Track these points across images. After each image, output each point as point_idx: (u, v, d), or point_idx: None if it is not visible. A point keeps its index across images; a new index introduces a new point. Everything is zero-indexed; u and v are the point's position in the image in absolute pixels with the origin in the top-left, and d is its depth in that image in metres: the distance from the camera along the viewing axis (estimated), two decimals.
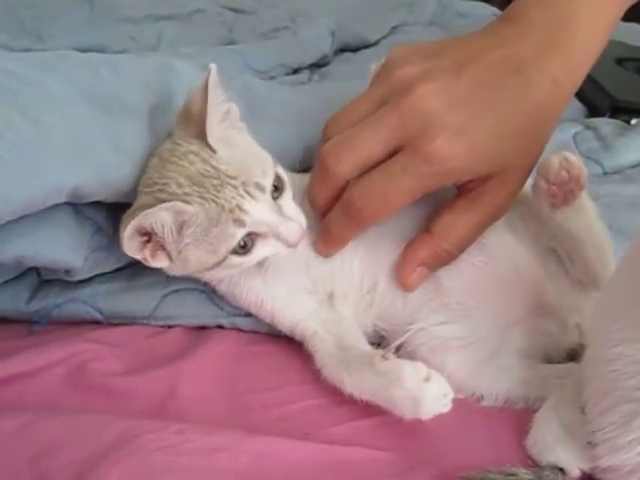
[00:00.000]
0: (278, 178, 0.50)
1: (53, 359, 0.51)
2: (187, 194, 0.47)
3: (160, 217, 0.46)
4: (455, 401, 0.45)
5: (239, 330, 0.56)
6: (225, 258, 0.48)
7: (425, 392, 0.44)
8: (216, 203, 0.47)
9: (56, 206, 0.49)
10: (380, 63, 0.56)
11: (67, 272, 0.54)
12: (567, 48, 0.52)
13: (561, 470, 0.43)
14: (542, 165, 0.51)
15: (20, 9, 1.02)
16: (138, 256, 0.48)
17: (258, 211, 0.48)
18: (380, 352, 0.48)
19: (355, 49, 1.02)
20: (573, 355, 0.52)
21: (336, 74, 0.92)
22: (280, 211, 0.49)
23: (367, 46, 1.03)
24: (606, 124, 0.77)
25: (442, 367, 0.50)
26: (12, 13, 1.02)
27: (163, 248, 0.48)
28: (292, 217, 0.50)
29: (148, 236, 0.48)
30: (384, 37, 1.05)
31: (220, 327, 0.56)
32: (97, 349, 0.52)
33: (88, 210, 0.53)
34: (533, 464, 0.44)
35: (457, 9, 1.14)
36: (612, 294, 0.44)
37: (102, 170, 0.49)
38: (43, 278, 0.57)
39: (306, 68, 0.94)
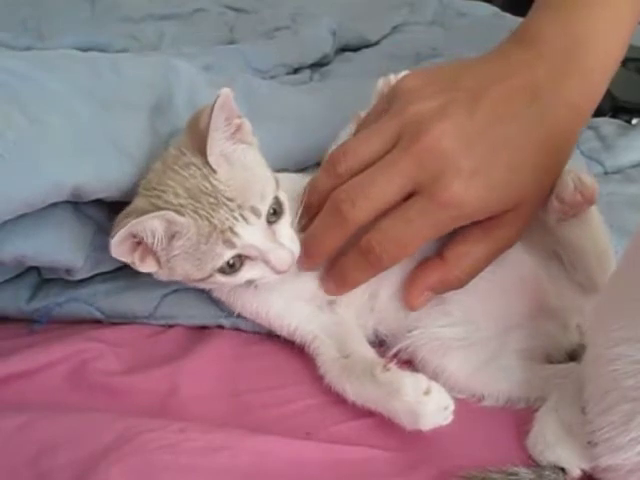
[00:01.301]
0: (278, 202, 0.50)
1: (54, 358, 0.51)
2: (182, 205, 0.47)
3: (152, 225, 0.46)
4: (456, 401, 0.45)
5: (239, 330, 0.56)
6: (210, 275, 0.48)
7: (425, 405, 0.44)
8: (209, 221, 0.47)
9: (57, 205, 0.49)
10: (386, 79, 0.55)
11: (68, 271, 0.54)
12: (584, 69, 0.51)
13: (562, 470, 0.43)
14: (556, 185, 0.51)
15: (22, 8, 1.03)
16: (126, 259, 0.48)
17: (250, 235, 0.47)
18: (382, 362, 0.48)
19: (356, 49, 1.01)
20: (574, 355, 0.52)
21: (337, 73, 0.92)
22: (273, 237, 0.49)
23: (368, 46, 1.02)
24: (607, 124, 0.77)
25: (443, 368, 0.51)
26: (14, 12, 1.02)
27: (153, 253, 0.48)
28: (285, 245, 0.49)
29: (139, 239, 0.47)
30: (385, 37, 1.04)
31: (220, 327, 0.56)
32: (98, 348, 0.52)
33: (89, 209, 0.53)
34: (534, 464, 0.44)
35: (458, 8, 1.14)
36: (612, 294, 0.44)
37: (102, 169, 0.49)
38: (44, 277, 0.57)
39: (307, 67, 0.94)
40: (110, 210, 0.54)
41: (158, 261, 0.49)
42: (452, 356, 0.51)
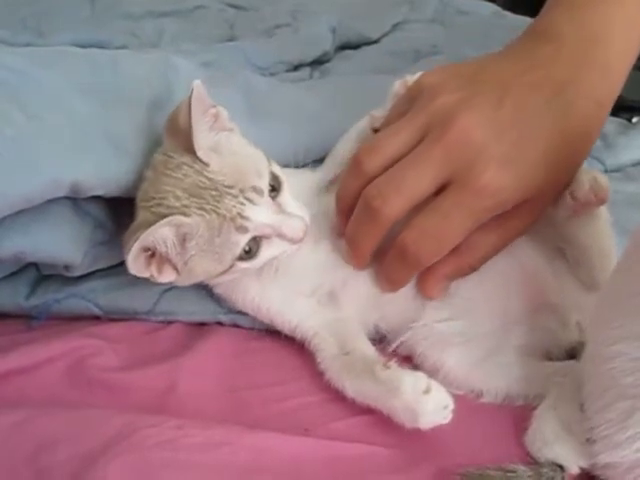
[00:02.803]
0: (274, 176, 0.50)
1: (52, 354, 0.51)
2: (186, 206, 0.47)
3: (161, 234, 0.46)
4: (455, 398, 0.45)
5: (238, 326, 0.56)
6: (232, 266, 0.48)
7: (424, 404, 0.44)
8: (217, 214, 0.47)
9: (56, 201, 0.49)
10: (403, 80, 0.55)
11: (66, 267, 0.54)
12: (603, 65, 0.51)
13: (560, 467, 0.43)
14: (572, 183, 0.51)
15: (21, 6, 1.02)
16: (145, 274, 0.48)
17: (259, 215, 0.48)
18: (382, 360, 0.48)
19: (356, 46, 1.01)
20: (573, 353, 0.52)
21: (337, 71, 0.92)
22: (280, 209, 0.49)
23: (368, 43, 1.02)
24: (607, 122, 0.76)
25: (442, 363, 0.51)
26: (13, 10, 1.02)
27: (168, 262, 0.48)
28: (293, 213, 0.50)
29: (152, 251, 0.47)
30: (385, 34, 1.05)
31: (219, 323, 0.56)
32: (96, 344, 0.52)
33: (88, 205, 0.53)
34: (532, 461, 0.44)
35: (458, 6, 1.14)
36: (611, 292, 0.44)
37: (101, 164, 0.49)
38: (42, 273, 0.57)
39: (307, 65, 0.94)
40: (109, 207, 0.54)
41: (175, 268, 0.48)
42: (451, 351, 0.51)
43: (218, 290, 0.55)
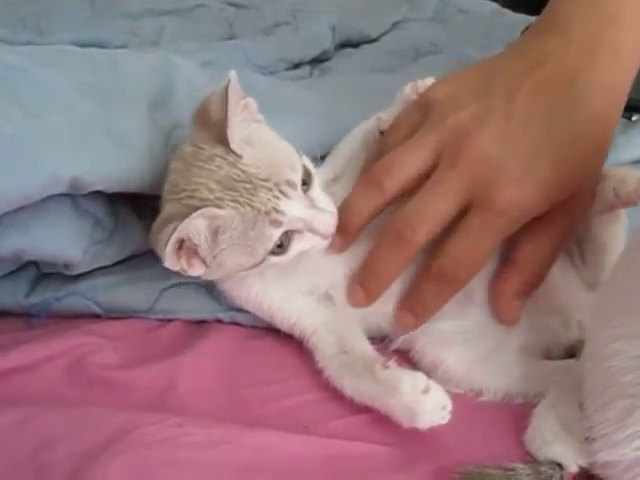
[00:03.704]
0: (305, 170, 0.50)
1: (52, 353, 0.51)
2: (219, 199, 0.46)
3: (196, 225, 0.45)
4: (454, 396, 0.45)
5: (238, 324, 0.56)
6: (264, 259, 0.48)
7: (422, 404, 0.44)
8: (252, 207, 0.46)
9: (55, 199, 0.49)
10: (414, 85, 0.55)
11: (66, 266, 0.54)
12: (615, 49, 0.51)
13: (559, 465, 0.43)
14: (618, 178, 0.51)
15: (22, 5, 1.03)
16: (177, 267, 0.47)
17: (293, 209, 0.47)
18: (381, 359, 0.48)
19: (356, 44, 1.02)
20: (572, 351, 0.52)
21: (337, 69, 0.92)
22: (312, 204, 0.49)
23: (368, 42, 1.02)
24: None
25: (441, 361, 0.51)
26: (13, 9, 1.02)
27: (196, 254, 0.47)
28: (324, 208, 0.49)
29: (179, 244, 0.46)
30: (385, 33, 1.05)
31: (219, 321, 0.56)
32: (96, 342, 0.52)
33: (87, 203, 0.53)
34: (531, 459, 0.44)
35: (458, 5, 1.14)
36: (610, 290, 0.44)
37: (101, 160, 0.49)
38: (42, 271, 0.57)
39: (307, 63, 0.94)
40: (109, 204, 0.54)
41: (204, 261, 0.48)
42: (451, 349, 0.51)
43: (223, 286, 0.54)
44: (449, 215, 0.49)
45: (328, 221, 0.49)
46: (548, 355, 0.53)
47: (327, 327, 0.52)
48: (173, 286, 0.56)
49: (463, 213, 0.49)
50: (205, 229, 0.46)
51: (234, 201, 0.46)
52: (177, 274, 0.54)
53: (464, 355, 0.51)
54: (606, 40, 0.51)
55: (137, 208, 0.57)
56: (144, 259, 0.58)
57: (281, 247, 0.48)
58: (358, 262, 0.53)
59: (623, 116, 0.79)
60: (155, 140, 0.52)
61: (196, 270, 0.48)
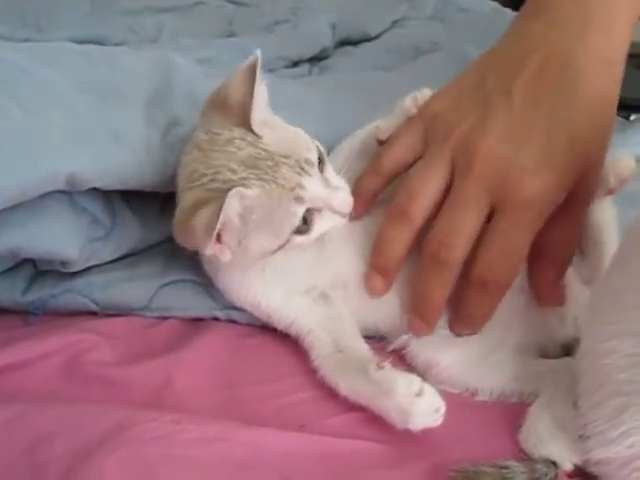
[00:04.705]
0: (319, 151, 0.50)
1: (49, 350, 0.51)
2: (244, 178, 0.46)
3: (233, 207, 0.45)
4: (449, 394, 0.45)
5: (234, 322, 0.56)
6: (288, 240, 0.48)
7: (416, 406, 0.44)
8: (276, 183, 0.46)
9: (52, 197, 0.49)
10: (414, 99, 0.55)
11: (63, 263, 0.54)
12: (605, 21, 0.51)
13: (554, 463, 0.43)
14: (619, 165, 0.52)
15: (21, 2, 1.02)
16: (213, 252, 0.47)
17: (314, 186, 0.48)
18: (376, 360, 0.48)
19: (356, 43, 1.02)
20: (568, 348, 0.52)
21: (336, 67, 0.92)
22: (328, 183, 0.50)
23: (368, 40, 1.02)
24: None
25: (436, 361, 0.51)
26: (13, 6, 1.02)
27: (220, 241, 0.47)
28: (340, 187, 0.50)
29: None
30: (385, 31, 1.05)
31: (215, 319, 0.56)
32: (93, 339, 0.52)
33: (84, 201, 0.53)
34: (526, 457, 0.44)
35: (458, 4, 1.14)
36: (605, 288, 0.44)
37: (98, 156, 0.49)
38: (39, 269, 0.57)
39: (306, 61, 0.94)
40: (106, 202, 0.55)
41: (229, 247, 0.48)
42: (446, 349, 0.51)
43: (221, 285, 0.55)
44: (478, 224, 0.49)
45: (345, 198, 0.50)
46: (544, 353, 0.53)
47: (323, 326, 0.52)
48: (170, 284, 0.56)
49: (490, 217, 0.49)
50: (239, 210, 0.46)
51: (259, 179, 0.46)
52: (175, 271, 0.55)
53: (459, 355, 0.51)
54: (594, 17, 0.51)
55: (134, 207, 0.57)
56: (141, 257, 0.58)
57: (304, 226, 0.49)
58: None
59: (621, 115, 0.80)
60: (152, 137, 0.52)
61: (225, 256, 0.48)
